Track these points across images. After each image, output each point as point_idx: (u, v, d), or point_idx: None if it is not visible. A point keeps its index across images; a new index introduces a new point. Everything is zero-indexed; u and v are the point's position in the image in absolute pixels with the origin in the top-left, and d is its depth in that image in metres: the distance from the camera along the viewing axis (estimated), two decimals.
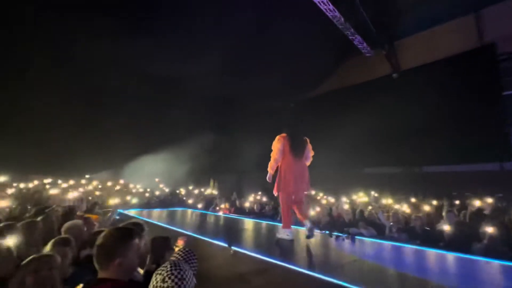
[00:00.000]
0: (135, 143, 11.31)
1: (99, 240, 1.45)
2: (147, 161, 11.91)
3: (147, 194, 10.74)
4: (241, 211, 8.31)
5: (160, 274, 1.26)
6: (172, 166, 11.84)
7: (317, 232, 4.94)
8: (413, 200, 7.94)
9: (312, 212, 6.32)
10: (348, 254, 3.85)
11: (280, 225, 4.48)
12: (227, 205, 8.47)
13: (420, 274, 3.00)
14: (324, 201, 8.28)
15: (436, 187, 8.89)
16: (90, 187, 10.25)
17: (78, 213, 3.68)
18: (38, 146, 9.72)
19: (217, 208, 8.50)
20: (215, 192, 11.64)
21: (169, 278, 1.22)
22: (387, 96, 10.30)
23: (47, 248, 2.19)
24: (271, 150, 4.29)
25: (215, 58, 8.77)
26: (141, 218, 5.88)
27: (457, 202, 7.38)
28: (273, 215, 7.44)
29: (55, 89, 8.93)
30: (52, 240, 2.26)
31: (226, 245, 3.85)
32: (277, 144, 4.18)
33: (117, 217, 5.86)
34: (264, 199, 9.49)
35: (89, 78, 9.11)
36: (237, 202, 8.83)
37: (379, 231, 5.21)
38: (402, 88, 10.39)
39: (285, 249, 3.97)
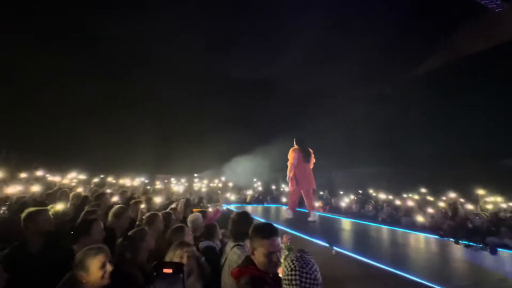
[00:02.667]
0: (233, 145, 12.54)
1: (252, 228, 1.76)
2: (242, 161, 12.97)
3: (245, 192, 11.61)
4: (336, 210, 7.89)
5: (289, 257, 1.40)
6: (264, 165, 12.43)
7: (437, 238, 4.14)
8: None
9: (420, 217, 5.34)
10: (489, 269, 3.03)
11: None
12: (320, 204, 8.21)
13: None
14: (442, 203, 6.83)
15: None
16: (199, 185, 11.98)
17: (210, 209, 4.35)
18: (159, 152, 12.21)
19: None
20: None
21: (297, 261, 1.35)
22: None
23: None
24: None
25: (299, 51, 8.63)
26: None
27: None
28: (374, 215, 6.71)
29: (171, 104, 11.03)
30: (174, 228, 2.72)
31: (327, 244, 3.71)
32: (293, 154, 5.59)
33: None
34: (352, 197, 8.72)
35: (194, 92, 10.81)
36: (332, 201, 8.44)
37: None
38: None
39: (398, 255, 3.49)
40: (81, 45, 9.60)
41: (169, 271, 0.90)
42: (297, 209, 8.30)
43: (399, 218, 6.06)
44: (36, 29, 8.61)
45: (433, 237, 4.38)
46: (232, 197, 10.17)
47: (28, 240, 2.33)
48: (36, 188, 4.60)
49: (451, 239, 3.93)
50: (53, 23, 8.76)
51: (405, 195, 8.22)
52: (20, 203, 3.69)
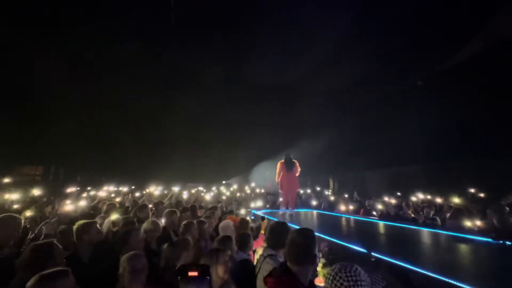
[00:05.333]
0: (260, 151, 12.64)
1: (295, 238, 1.71)
2: (270, 166, 12.95)
3: (273, 197, 11.52)
4: (371, 213, 7.53)
5: (334, 266, 1.38)
6: None
7: (490, 242, 3.75)
8: None
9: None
10: None
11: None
12: (351, 207, 7.89)
13: None
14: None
15: None
16: (228, 192, 12.17)
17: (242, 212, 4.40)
18: (188, 162, 12.71)
19: (343, 209, 8.05)
20: (334, 192, 11.14)
21: (337, 269, 1.33)
22: None
23: (214, 243, 2.71)
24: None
25: (325, 52, 8.49)
26: (272, 218, 6.32)
27: None
28: (414, 218, 6.27)
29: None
30: (220, 237, 2.78)
31: (364, 250, 3.53)
32: (279, 166, 7.23)
33: (253, 217, 6.58)
34: (393, 200, 8.23)
35: (220, 100, 11.22)
36: (366, 203, 8.07)
37: None
38: None
39: (444, 260, 3.21)
40: (117, 65, 10.32)
41: (195, 274, 0.85)
42: (325, 212, 8.27)
43: (442, 220, 5.59)
44: (82, 49, 9.47)
45: (484, 240, 3.98)
46: (261, 202, 10.15)
47: (80, 250, 2.54)
48: (83, 202, 5.01)
49: (507, 243, 3.52)
50: (92, 42, 9.55)
51: (446, 195, 7.59)
52: (71, 217, 4.04)
